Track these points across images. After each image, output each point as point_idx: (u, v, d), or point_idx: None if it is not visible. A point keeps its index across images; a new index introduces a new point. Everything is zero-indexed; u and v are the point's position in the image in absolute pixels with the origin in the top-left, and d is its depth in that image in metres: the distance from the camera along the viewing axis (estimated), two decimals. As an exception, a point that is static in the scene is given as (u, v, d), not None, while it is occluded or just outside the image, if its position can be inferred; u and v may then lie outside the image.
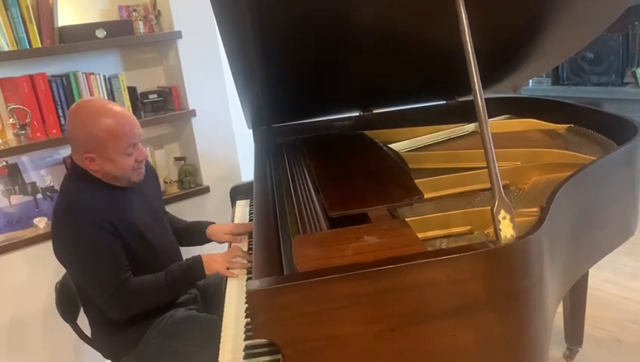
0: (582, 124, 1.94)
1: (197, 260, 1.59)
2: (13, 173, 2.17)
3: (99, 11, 2.43)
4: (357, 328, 0.93)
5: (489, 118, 1.08)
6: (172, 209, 2.39)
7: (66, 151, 2.26)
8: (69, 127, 1.55)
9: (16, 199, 2.19)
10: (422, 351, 0.97)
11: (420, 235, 1.18)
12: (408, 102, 2.21)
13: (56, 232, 1.54)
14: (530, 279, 1.02)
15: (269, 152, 1.90)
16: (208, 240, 1.85)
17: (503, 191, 1.03)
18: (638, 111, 2.92)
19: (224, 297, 1.45)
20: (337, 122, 2.21)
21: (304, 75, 1.70)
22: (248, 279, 1.48)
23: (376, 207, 1.26)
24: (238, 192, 2.15)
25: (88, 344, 1.73)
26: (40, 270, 2.14)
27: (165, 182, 2.60)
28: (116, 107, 1.56)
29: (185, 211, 2.45)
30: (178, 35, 2.45)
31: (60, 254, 1.56)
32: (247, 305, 1.32)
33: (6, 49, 2.06)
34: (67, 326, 1.71)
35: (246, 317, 1.29)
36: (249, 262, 1.56)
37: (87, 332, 1.72)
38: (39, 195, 2.23)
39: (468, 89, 1.08)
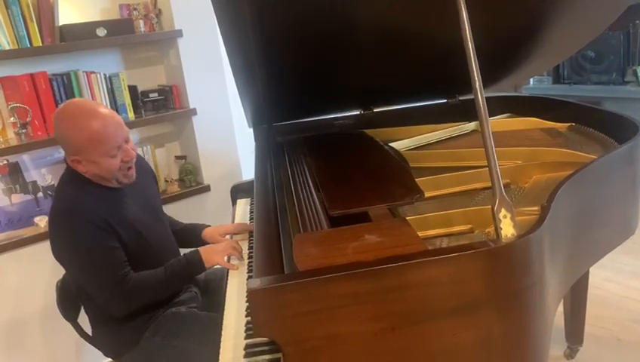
0: (583, 123, 1.94)
1: (195, 253, 1.59)
2: (14, 171, 2.17)
3: (99, 10, 2.43)
4: (357, 327, 0.93)
5: (490, 116, 1.08)
6: (172, 208, 2.40)
7: (66, 150, 2.27)
8: (54, 130, 1.55)
9: (17, 198, 2.19)
10: (422, 350, 0.97)
11: (421, 234, 1.18)
12: (409, 101, 2.20)
13: (53, 234, 1.54)
14: (530, 278, 1.02)
15: (270, 151, 1.89)
16: (204, 243, 1.85)
17: (503, 190, 1.03)
18: (638, 110, 2.91)
19: (225, 295, 1.46)
20: (338, 121, 2.20)
21: (305, 74, 1.69)
22: (249, 278, 1.48)
23: (376, 206, 1.26)
24: (238, 191, 2.14)
25: (89, 342, 1.73)
26: (41, 268, 2.14)
27: (166, 181, 2.60)
28: (101, 108, 1.53)
29: (185, 210, 2.46)
30: (179, 33, 2.45)
31: (59, 255, 1.56)
32: (247, 304, 1.32)
33: (7, 47, 2.07)
34: (68, 325, 1.71)
35: (247, 316, 1.29)
36: (249, 258, 1.57)
37: (88, 330, 1.73)
38: (40, 194, 2.24)
39: (469, 87, 1.07)
